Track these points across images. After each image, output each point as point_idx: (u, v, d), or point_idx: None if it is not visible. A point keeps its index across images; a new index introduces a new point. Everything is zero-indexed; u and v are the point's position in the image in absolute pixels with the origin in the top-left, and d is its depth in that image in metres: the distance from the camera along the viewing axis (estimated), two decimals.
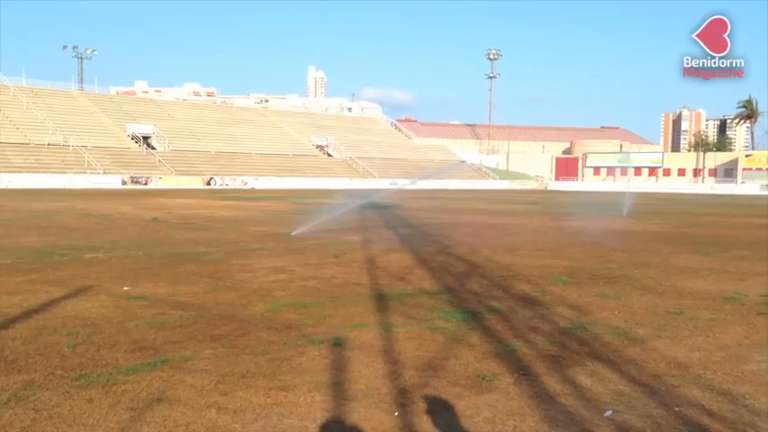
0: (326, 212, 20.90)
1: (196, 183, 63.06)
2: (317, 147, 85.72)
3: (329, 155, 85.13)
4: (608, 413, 4.60)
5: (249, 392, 4.87)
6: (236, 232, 17.91)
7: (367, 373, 5.39)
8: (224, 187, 62.16)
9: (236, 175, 67.54)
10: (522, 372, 5.51)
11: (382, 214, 24.96)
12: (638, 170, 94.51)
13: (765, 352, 6.26)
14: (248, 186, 63.63)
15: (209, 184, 63.77)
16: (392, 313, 7.68)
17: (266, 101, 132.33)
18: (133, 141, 70.43)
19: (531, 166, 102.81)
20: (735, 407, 4.77)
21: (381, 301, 8.42)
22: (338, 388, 5.01)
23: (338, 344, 6.25)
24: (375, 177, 75.33)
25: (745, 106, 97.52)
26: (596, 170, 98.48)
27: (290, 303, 8.17)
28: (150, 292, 8.83)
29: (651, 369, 5.65)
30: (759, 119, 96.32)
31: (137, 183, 59.71)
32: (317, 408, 4.60)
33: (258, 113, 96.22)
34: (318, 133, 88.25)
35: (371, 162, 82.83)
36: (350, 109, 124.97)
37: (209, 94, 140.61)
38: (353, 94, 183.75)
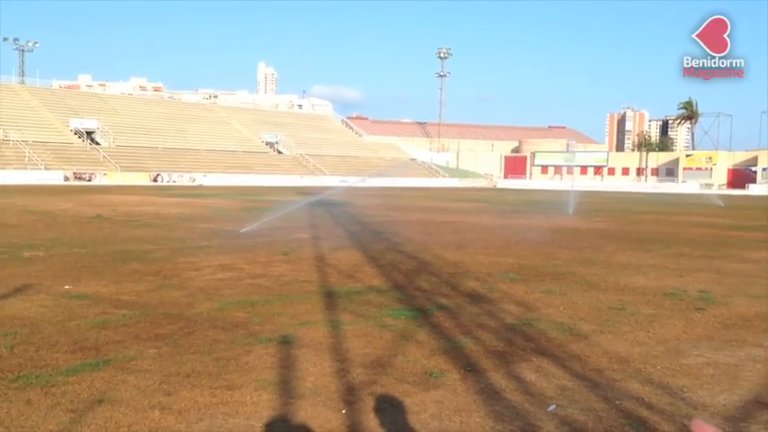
0: (276, 210, 20.76)
1: (142, 179, 61.72)
2: (267, 144, 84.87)
3: (279, 152, 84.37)
4: (552, 407, 4.69)
5: (194, 392, 4.80)
6: (183, 230, 17.62)
7: (315, 372, 5.37)
8: (171, 184, 61.03)
9: (184, 171, 66.37)
10: (468, 368, 5.57)
11: (332, 212, 24.90)
12: (584, 169, 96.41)
13: (703, 346, 6.46)
14: (196, 183, 62.63)
15: (155, 180, 62.52)
16: (341, 311, 7.67)
17: (215, 96, 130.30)
18: (76, 136, 68.52)
19: (481, 164, 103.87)
20: (673, 400, 4.92)
21: (330, 298, 8.41)
22: (285, 386, 4.98)
23: (286, 342, 6.22)
24: (326, 175, 75.05)
25: (685, 107, 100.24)
26: (544, 168, 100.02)
27: (237, 301, 8.09)
28: (92, 290, 8.63)
29: (594, 364, 5.78)
30: (699, 120, 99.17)
31: (80, 179, 58.11)
32: (263, 407, 4.57)
33: (207, 109, 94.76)
34: (268, 130, 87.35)
35: (322, 159, 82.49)
36: (300, 106, 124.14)
37: (156, 89, 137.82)
38: (304, 91, 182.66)
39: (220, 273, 10.33)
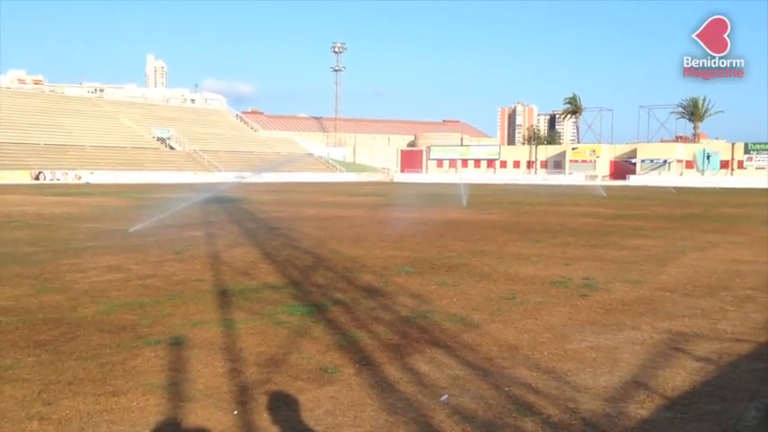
0: (168, 207, 20.13)
1: (22, 177, 58.47)
2: (158, 139, 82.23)
3: (171, 147, 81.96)
4: (444, 397, 4.77)
5: (76, 400, 4.57)
6: (67, 230, 16.78)
7: (206, 372, 5.24)
8: (55, 182, 58.12)
9: (69, 169, 63.33)
10: (363, 362, 5.59)
11: (227, 208, 24.40)
12: (477, 162, 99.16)
13: (586, 331, 6.77)
14: (82, 181, 59.87)
15: (37, 178, 59.39)
16: (235, 309, 7.53)
17: (101, 90, 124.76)
18: None
19: (378, 158, 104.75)
20: (558, 384, 5.12)
21: (224, 297, 8.23)
22: (175, 389, 4.83)
23: (176, 343, 6.03)
24: (220, 171, 73.53)
25: (570, 102, 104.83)
26: (439, 162, 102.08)
27: (125, 303, 7.78)
28: None
29: (485, 352, 5.93)
30: (583, 114, 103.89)
31: None
32: (150, 412, 4.41)
33: (92, 103, 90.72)
34: (159, 125, 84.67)
35: (216, 155, 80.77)
36: (193, 100, 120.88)
37: (36, 82, 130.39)
38: (196, 85, 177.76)
39: (107, 274, 9.91)
